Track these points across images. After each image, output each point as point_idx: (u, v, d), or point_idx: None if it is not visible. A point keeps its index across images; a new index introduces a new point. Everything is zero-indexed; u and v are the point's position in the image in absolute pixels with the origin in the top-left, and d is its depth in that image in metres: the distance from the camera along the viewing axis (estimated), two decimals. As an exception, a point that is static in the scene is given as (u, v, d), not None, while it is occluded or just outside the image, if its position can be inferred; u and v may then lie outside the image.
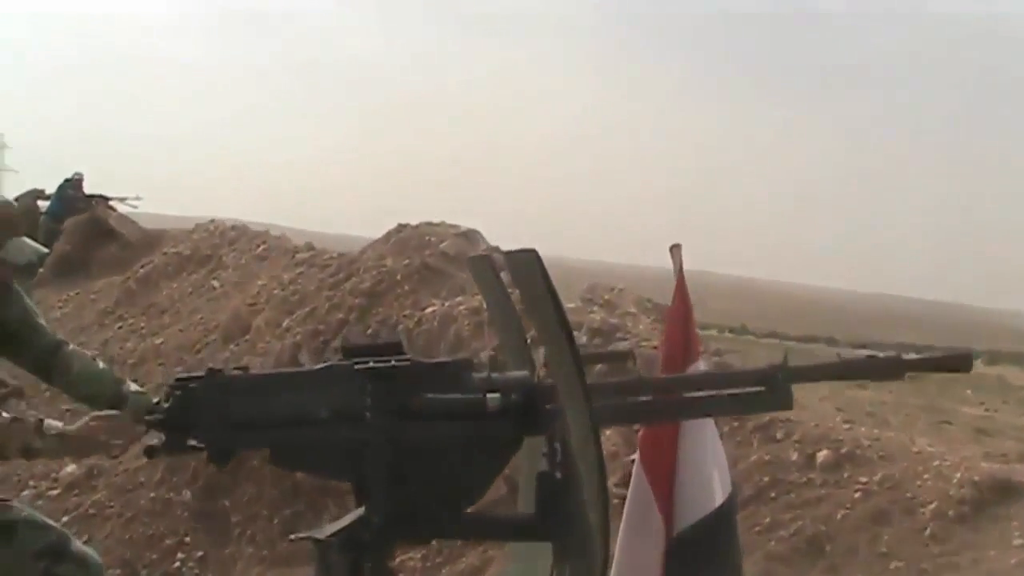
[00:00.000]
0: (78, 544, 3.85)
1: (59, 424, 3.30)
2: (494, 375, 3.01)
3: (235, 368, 3.08)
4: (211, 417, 2.98)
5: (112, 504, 11.55)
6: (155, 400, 3.68)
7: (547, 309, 2.59)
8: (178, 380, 3.08)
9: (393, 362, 2.97)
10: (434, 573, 9.26)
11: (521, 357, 3.29)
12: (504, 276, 3.41)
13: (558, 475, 2.91)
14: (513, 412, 2.92)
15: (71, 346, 3.87)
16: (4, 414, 3.30)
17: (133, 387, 3.81)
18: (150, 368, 14.75)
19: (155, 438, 3.11)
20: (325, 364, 3.08)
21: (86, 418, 3.34)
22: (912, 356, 3.28)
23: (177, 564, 11.11)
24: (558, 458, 2.93)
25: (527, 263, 2.66)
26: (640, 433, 3.87)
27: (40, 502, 11.90)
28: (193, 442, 3.03)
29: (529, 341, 3.35)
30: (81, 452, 3.42)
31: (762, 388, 3.10)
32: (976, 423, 17.33)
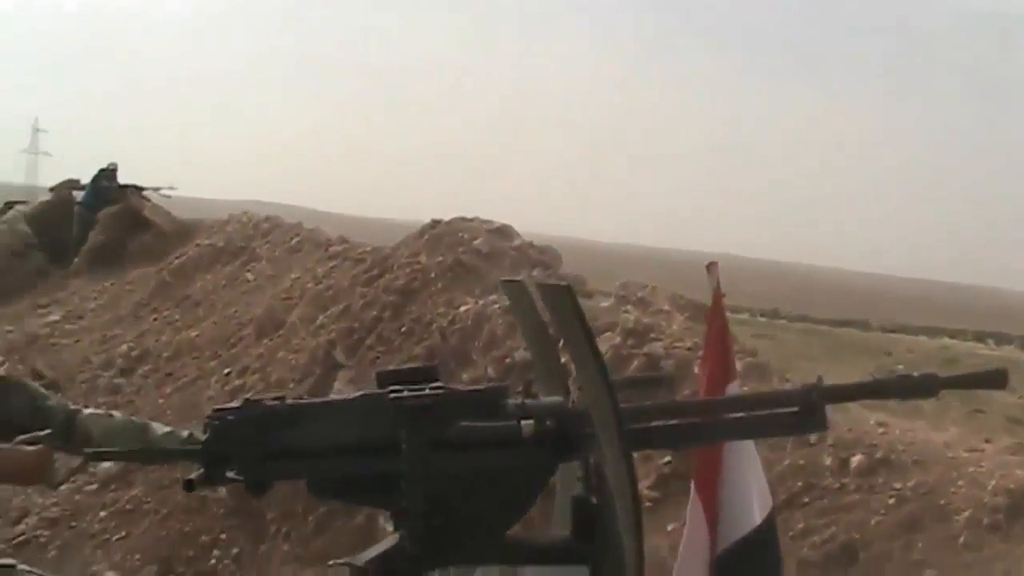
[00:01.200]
0: None
1: None
2: (528, 401, 3.02)
3: (272, 397, 3.09)
4: (248, 448, 2.99)
5: (149, 500, 11.67)
6: (186, 433, 3.70)
7: (579, 340, 2.61)
8: (216, 411, 3.08)
9: (427, 391, 2.99)
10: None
11: (556, 381, 3.30)
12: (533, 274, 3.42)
13: (593, 500, 2.93)
14: (548, 439, 2.93)
15: (85, 411, 3.81)
16: None
17: (160, 430, 3.77)
18: (185, 362, 14.89)
19: (193, 471, 3.12)
20: (360, 393, 3.09)
21: (12, 445, 3.30)
22: (947, 375, 3.27)
23: (213, 561, 11.22)
24: (593, 483, 2.95)
25: (560, 297, 2.69)
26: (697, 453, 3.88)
27: (77, 497, 12.05)
28: (231, 473, 3.04)
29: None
30: (5, 480, 3.37)
31: (796, 409, 3.11)
32: (1010, 412, 17.20)
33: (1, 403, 3.61)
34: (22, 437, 3.27)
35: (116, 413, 3.93)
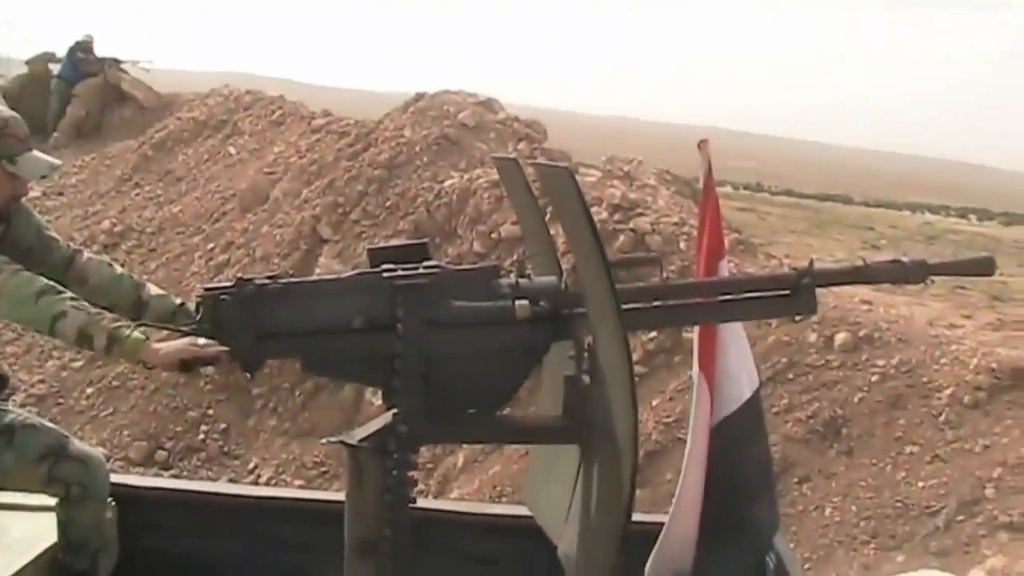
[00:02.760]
0: (77, 443, 3.87)
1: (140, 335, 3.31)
2: (522, 281, 3.00)
3: (265, 276, 3.07)
4: (241, 328, 2.99)
5: (135, 376, 11.70)
6: (178, 302, 3.69)
7: (578, 224, 2.58)
8: (207, 290, 3.07)
9: (422, 270, 2.98)
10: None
11: (549, 261, 3.28)
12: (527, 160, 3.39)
13: (585, 379, 2.93)
14: (542, 318, 2.93)
15: (85, 256, 3.80)
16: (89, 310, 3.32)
17: (154, 290, 3.76)
18: (168, 237, 14.83)
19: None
20: (354, 272, 3.08)
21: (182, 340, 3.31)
22: (936, 261, 3.28)
23: (201, 436, 11.32)
24: (585, 363, 2.95)
25: (560, 178, 2.64)
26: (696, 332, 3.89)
27: (65, 373, 12.09)
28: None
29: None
30: (161, 360, 3.34)
31: (787, 292, 3.11)
32: (991, 289, 17.30)
33: (13, 224, 3.62)
34: (167, 346, 3.28)
35: (117, 265, 3.92)
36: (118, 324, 3.28)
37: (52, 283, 3.35)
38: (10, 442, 3.70)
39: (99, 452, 4.02)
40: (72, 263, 3.75)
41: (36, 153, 3.61)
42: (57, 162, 3.76)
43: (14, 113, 3.64)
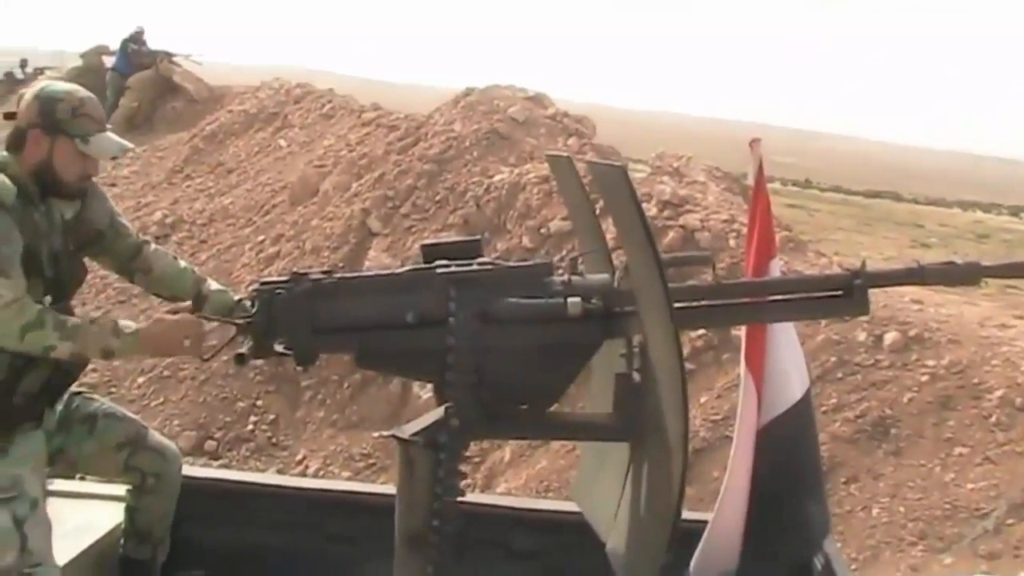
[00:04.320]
0: (156, 435, 3.95)
1: (132, 324, 3.34)
2: (574, 278, 3.01)
3: (319, 271, 3.11)
4: (296, 322, 3.02)
5: (186, 367, 11.80)
6: (236, 298, 3.74)
7: (632, 223, 2.58)
8: (263, 284, 3.11)
9: (475, 266, 3.00)
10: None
11: (601, 259, 3.29)
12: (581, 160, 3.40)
13: (636, 376, 2.94)
14: (593, 316, 2.94)
15: (152, 246, 3.88)
16: (81, 317, 3.37)
17: (214, 285, 3.83)
18: (219, 229, 14.94)
19: (243, 344, 3.15)
20: (408, 268, 3.10)
21: (156, 315, 3.38)
22: (990, 263, 3.26)
23: (250, 427, 11.39)
24: (636, 360, 2.95)
25: (614, 177, 2.65)
26: (744, 331, 3.90)
27: (116, 363, 12.17)
28: (279, 347, 3.08)
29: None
30: (157, 350, 3.41)
31: (839, 292, 3.10)
32: (1042, 289, 17.19)
33: (87, 206, 3.69)
34: (164, 310, 3.34)
35: (181, 259, 4.01)
36: (106, 339, 3.33)
37: (38, 312, 3.32)
38: (92, 430, 3.78)
39: (175, 446, 4.09)
40: (140, 252, 3.82)
41: (109, 134, 3.67)
42: (129, 144, 3.81)
43: (90, 94, 3.69)
